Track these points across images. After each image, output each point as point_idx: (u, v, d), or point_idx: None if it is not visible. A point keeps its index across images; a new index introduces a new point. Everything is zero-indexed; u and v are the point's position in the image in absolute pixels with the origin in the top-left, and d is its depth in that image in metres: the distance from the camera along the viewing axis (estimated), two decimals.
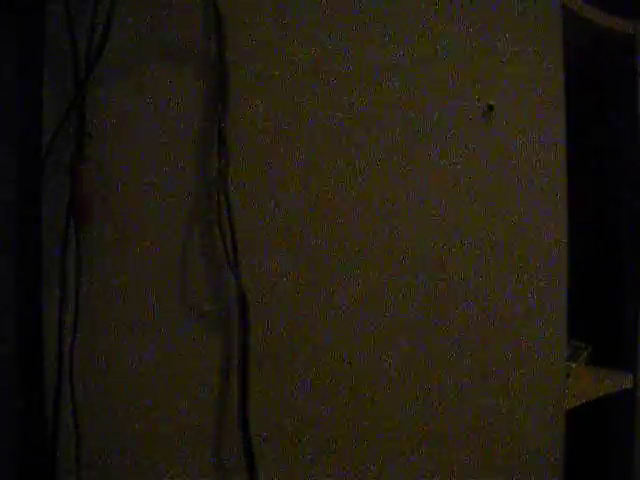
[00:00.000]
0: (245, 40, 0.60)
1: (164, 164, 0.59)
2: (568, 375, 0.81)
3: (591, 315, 0.96)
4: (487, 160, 0.70)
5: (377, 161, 0.64)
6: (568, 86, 0.77)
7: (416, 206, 0.66)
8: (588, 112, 0.99)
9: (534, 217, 0.72)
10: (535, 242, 0.73)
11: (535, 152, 0.73)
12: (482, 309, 0.69)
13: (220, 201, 0.58)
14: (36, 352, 0.60)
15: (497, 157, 0.70)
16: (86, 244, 0.58)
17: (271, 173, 0.61)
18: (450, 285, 0.67)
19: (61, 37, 0.57)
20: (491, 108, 0.70)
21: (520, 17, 0.72)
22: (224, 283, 0.59)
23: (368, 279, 0.64)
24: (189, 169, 0.59)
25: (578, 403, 0.80)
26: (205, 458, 0.59)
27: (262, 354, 0.60)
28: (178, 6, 0.59)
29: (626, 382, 0.89)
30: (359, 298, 0.63)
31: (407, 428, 0.66)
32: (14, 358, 0.64)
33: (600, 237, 0.97)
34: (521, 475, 0.72)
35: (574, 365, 0.87)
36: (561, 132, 0.75)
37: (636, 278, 0.91)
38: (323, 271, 0.62)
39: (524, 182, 0.72)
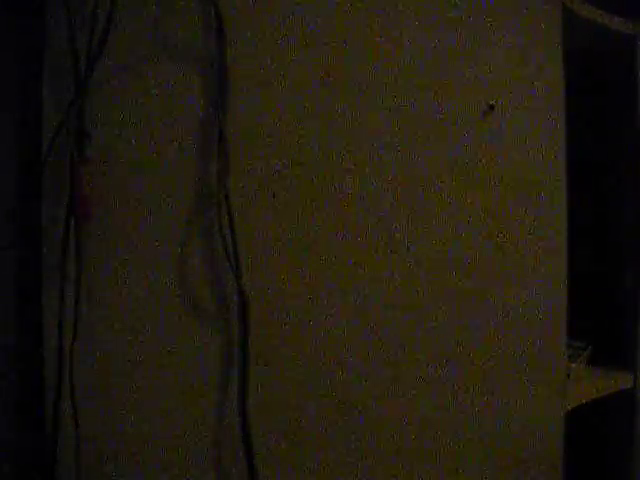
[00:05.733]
0: (245, 40, 0.60)
1: (164, 164, 0.59)
2: (568, 375, 0.80)
3: (591, 315, 0.96)
4: (487, 160, 0.70)
5: (377, 161, 0.64)
6: (568, 86, 0.76)
7: (414, 205, 0.66)
8: (588, 112, 0.99)
9: (534, 216, 0.72)
10: (535, 242, 0.73)
11: (535, 152, 0.73)
12: (481, 309, 0.69)
13: (220, 201, 0.58)
14: (36, 352, 0.60)
15: (497, 157, 0.70)
16: (86, 244, 0.58)
17: (272, 173, 0.61)
18: (449, 285, 0.67)
19: (61, 37, 0.57)
20: (491, 108, 0.70)
21: (520, 17, 0.72)
22: (224, 283, 0.59)
23: (369, 280, 0.64)
24: (189, 169, 0.59)
25: (578, 403, 0.80)
26: (205, 458, 0.59)
27: (261, 353, 0.60)
28: (178, 6, 0.59)
29: (626, 382, 0.89)
30: (359, 298, 0.63)
31: (404, 429, 0.66)
32: (14, 358, 0.64)
33: (600, 237, 0.97)
34: (521, 475, 0.72)
35: (574, 365, 0.87)
36: (561, 132, 0.75)
37: (636, 278, 0.91)
38: (324, 271, 0.62)
39: (524, 182, 0.72)
